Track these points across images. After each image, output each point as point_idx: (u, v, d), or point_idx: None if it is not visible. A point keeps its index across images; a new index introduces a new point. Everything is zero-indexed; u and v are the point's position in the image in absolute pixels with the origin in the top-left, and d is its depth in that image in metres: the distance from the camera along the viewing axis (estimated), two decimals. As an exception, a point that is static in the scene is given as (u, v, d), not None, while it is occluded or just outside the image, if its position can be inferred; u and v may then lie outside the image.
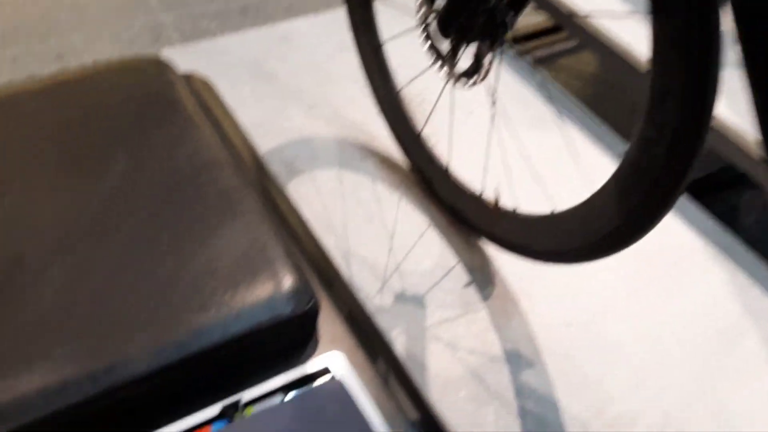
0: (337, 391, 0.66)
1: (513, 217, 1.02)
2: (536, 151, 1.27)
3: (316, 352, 0.72)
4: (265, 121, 1.31)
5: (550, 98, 1.40)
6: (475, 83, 0.92)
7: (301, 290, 0.71)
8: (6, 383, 0.60)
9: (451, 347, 1.00)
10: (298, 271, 0.72)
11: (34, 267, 0.69)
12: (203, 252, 0.72)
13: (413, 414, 0.68)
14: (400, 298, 1.05)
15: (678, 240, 1.18)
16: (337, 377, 0.69)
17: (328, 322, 0.75)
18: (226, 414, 0.65)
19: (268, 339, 0.70)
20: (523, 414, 0.93)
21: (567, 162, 1.26)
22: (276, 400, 0.67)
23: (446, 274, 1.09)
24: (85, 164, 0.79)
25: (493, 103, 1.05)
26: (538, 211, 0.97)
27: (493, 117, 1.22)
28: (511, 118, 1.28)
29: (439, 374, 0.95)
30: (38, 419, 0.59)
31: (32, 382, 0.61)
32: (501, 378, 0.97)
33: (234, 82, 1.35)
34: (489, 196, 1.09)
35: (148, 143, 0.81)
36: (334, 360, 0.70)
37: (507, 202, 1.05)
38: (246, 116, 1.27)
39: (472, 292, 1.07)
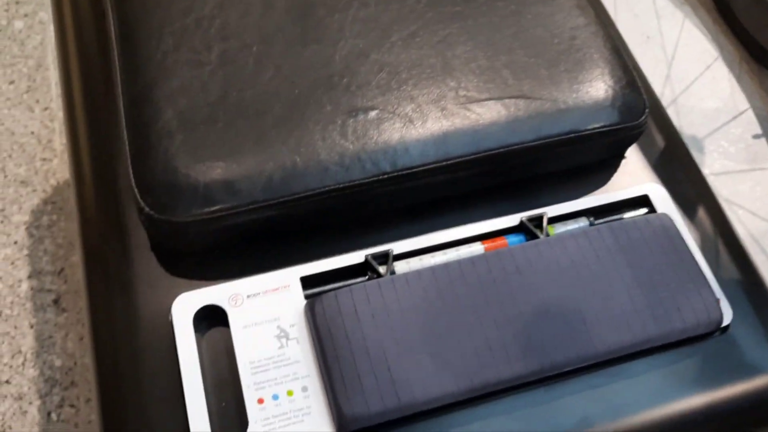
0: (665, 226, 0.54)
1: None
2: None
3: (629, 180, 0.60)
4: None
5: None
6: None
7: (634, 101, 0.57)
8: (315, 146, 0.53)
9: (729, 204, 0.85)
10: (631, 76, 0.58)
11: (327, 20, 0.58)
12: (519, 37, 0.58)
13: (735, 273, 0.56)
14: (675, 136, 0.89)
15: None
16: (660, 211, 0.56)
17: (644, 148, 0.62)
18: (526, 228, 0.55)
19: (584, 151, 0.57)
20: (811, 298, 0.79)
21: None
22: (581, 223, 0.56)
23: (732, 119, 0.91)
24: None
25: None
26: None
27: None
28: None
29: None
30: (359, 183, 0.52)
31: (340, 145, 0.53)
32: (787, 251, 0.82)
33: None
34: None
35: None
36: (654, 192, 0.58)
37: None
38: None
39: (764, 146, 0.89)
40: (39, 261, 0.97)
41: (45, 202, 1.02)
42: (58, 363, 0.91)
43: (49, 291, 0.95)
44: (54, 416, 0.87)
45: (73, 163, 0.60)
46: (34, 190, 1.02)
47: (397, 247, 0.54)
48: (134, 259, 0.54)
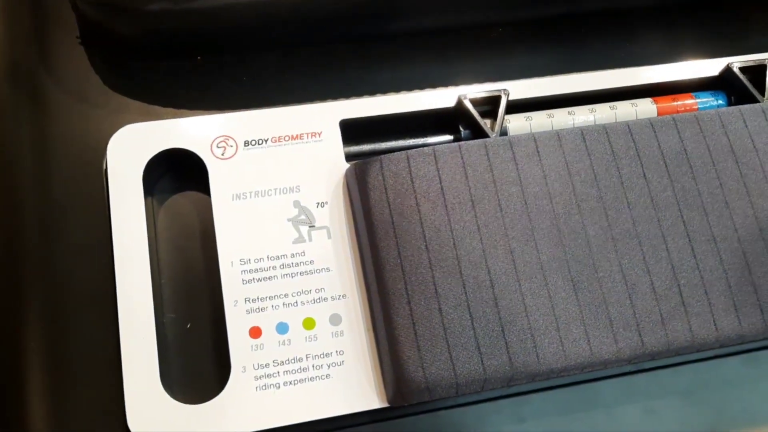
0: None
1: None
2: None
3: None
4: None
5: None
6: None
7: None
8: None
9: None
10: None
11: None
12: None
13: None
14: None
15: None
16: None
17: None
18: (736, 82, 0.32)
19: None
20: None
21: None
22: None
23: None
24: None
25: None
26: None
27: None
28: None
29: None
30: None
31: None
32: None
33: None
34: None
35: None
36: None
37: None
38: None
39: None
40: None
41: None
42: None
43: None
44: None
45: None
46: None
47: (514, 88, 0.31)
48: (52, 59, 0.31)
